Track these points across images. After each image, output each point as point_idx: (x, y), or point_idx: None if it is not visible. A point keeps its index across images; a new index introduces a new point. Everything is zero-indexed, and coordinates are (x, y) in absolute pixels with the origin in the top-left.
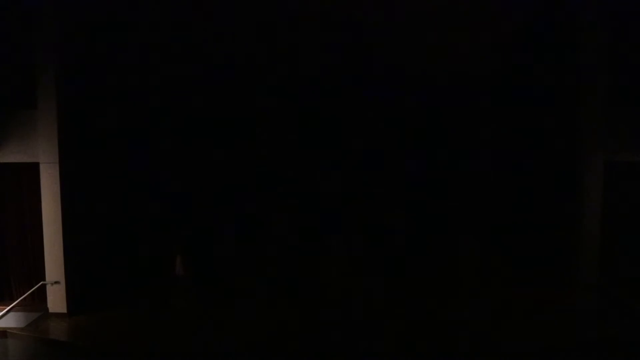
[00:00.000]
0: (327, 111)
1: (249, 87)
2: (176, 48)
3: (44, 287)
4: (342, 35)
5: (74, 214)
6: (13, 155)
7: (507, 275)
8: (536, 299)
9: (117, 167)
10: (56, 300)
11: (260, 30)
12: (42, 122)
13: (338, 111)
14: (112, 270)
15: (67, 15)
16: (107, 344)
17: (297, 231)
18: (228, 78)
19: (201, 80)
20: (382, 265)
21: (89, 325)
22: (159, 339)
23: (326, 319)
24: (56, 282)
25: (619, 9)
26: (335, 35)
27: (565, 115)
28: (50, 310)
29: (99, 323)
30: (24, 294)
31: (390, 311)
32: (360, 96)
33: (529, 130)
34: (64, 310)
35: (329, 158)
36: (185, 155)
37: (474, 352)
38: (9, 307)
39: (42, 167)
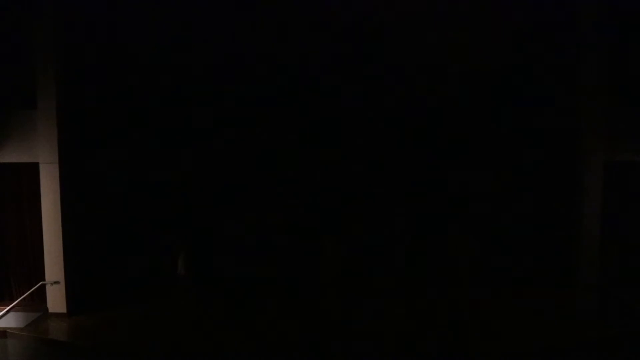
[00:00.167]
0: (327, 111)
1: (249, 87)
2: (176, 47)
3: (43, 287)
4: (342, 35)
5: (74, 214)
6: (13, 155)
7: (507, 275)
8: (536, 299)
9: (117, 166)
10: (56, 300)
11: (260, 30)
12: (42, 122)
13: (338, 111)
14: (112, 270)
15: (67, 15)
16: (107, 344)
17: (297, 231)
18: (228, 78)
19: (201, 80)
20: (382, 265)
21: (88, 325)
22: (159, 339)
23: (326, 319)
24: (56, 282)
25: (619, 8)
26: (335, 35)
27: (565, 115)
28: (50, 310)
29: (98, 323)
30: (23, 294)
31: (390, 311)
32: (360, 96)
33: (529, 130)
34: (64, 310)
35: (329, 158)
36: (185, 155)
37: (474, 352)
38: (8, 307)
39: (42, 167)
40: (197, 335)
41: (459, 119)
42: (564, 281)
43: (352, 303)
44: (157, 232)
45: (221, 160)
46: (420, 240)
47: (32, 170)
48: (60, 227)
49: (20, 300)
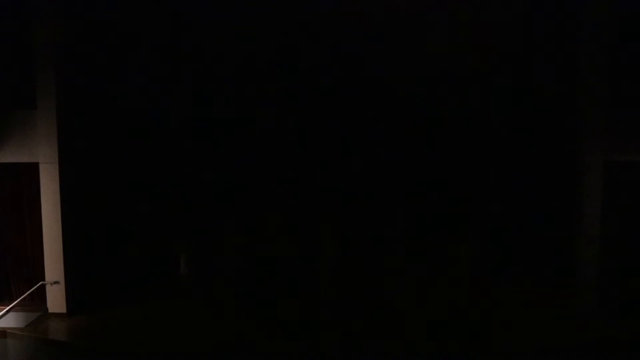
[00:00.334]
0: (327, 111)
1: (249, 87)
2: (177, 47)
3: (43, 287)
4: (342, 34)
5: (74, 214)
6: (13, 155)
7: (507, 275)
8: (536, 299)
9: (117, 166)
10: (56, 300)
11: (259, 30)
12: (41, 122)
13: (338, 111)
14: (112, 270)
15: (67, 15)
16: (107, 344)
17: (296, 231)
18: (228, 78)
19: (202, 80)
20: (382, 265)
21: (88, 325)
22: (159, 339)
23: (326, 319)
24: (56, 282)
25: (619, 8)
26: (334, 34)
27: (565, 115)
28: (50, 311)
29: (98, 323)
30: (23, 294)
31: (389, 311)
32: (360, 96)
33: (529, 130)
34: (64, 311)
35: (329, 158)
36: (185, 155)
37: (474, 352)
38: (8, 307)
39: (41, 167)
40: (197, 335)
41: (459, 119)
42: (564, 281)
43: (351, 303)
44: (158, 232)
45: (221, 160)
46: (420, 240)
47: (32, 170)
48: (60, 227)
49: (20, 300)
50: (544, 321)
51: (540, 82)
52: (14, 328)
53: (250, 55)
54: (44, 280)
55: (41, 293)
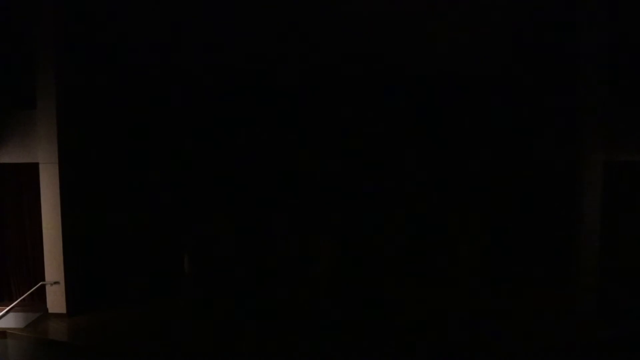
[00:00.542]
0: (327, 111)
1: (249, 87)
2: (177, 47)
3: (43, 287)
4: (342, 34)
5: (74, 214)
6: (12, 155)
7: (506, 275)
8: (536, 299)
9: (117, 166)
10: (56, 300)
11: (259, 30)
12: (41, 123)
13: (338, 111)
14: (112, 270)
15: (67, 15)
16: (107, 344)
17: (297, 231)
18: (229, 78)
19: (202, 80)
20: (382, 265)
21: (88, 325)
22: (159, 339)
23: (326, 319)
24: (56, 283)
25: (619, 8)
26: (334, 34)
27: (565, 115)
28: (50, 311)
29: (98, 323)
30: (23, 295)
31: (389, 311)
32: (360, 96)
33: (528, 130)
34: (64, 311)
35: (329, 158)
36: (186, 155)
37: (474, 352)
38: (8, 308)
39: (41, 168)
40: (197, 335)
41: (459, 119)
42: (564, 281)
43: (351, 303)
44: (158, 232)
45: (221, 161)
46: (420, 240)
47: (31, 171)
48: (60, 227)
49: (20, 300)
50: (544, 321)
51: (540, 82)
52: (14, 328)
53: (251, 55)
54: (44, 280)
55: (41, 293)
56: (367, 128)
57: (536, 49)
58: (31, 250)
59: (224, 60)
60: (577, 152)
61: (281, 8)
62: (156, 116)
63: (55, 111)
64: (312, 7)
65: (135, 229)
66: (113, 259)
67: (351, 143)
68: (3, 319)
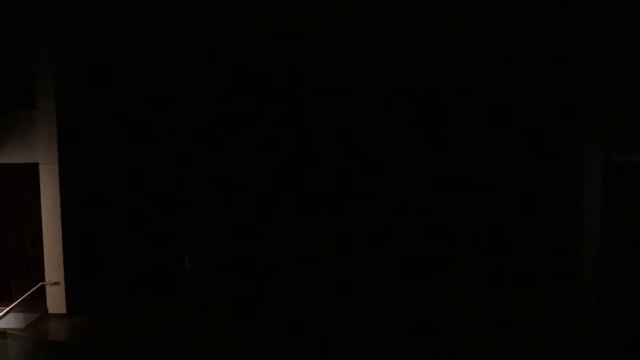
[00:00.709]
0: (327, 111)
1: (249, 87)
2: (177, 48)
3: (43, 287)
4: (341, 34)
5: (74, 214)
6: (12, 156)
7: (506, 275)
8: (536, 299)
9: (116, 167)
10: (56, 300)
11: (260, 30)
12: (41, 123)
13: (338, 111)
14: (112, 271)
15: (67, 15)
16: (107, 344)
17: (297, 231)
18: (229, 79)
19: (202, 80)
20: (382, 265)
21: (88, 325)
22: (159, 339)
23: (326, 319)
24: (56, 283)
25: (619, 8)
26: (334, 34)
27: (565, 115)
28: (50, 311)
29: (98, 323)
30: (23, 295)
31: (390, 311)
32: (360, 96)
33: (528, 130)
34: (64, 311)
35: (329, 158)
36: (186, 156)
37: (474, 352)
38: (8, 308)
39: (41, 168)
40: (197, 335)
41: (459, 119)
42: (563, 281)
43: (351, 303)
44: (158, 232)
45: (221, 161)
46: (420, 240)
47: (31, 171)
48: (60, 228)
49: (20, 301)
50: (544, 321)
51: (541, 82)
52: (14, 329)
53: (251, 55)
54: (43, 280)
55: (41, 293)
56: (367, 128)
57: (536, 49)
58: (31, 250)
59: (224, 60)
60: (577, 152)
61: (281, 8)
62: (156, 116)
63: (55, 111)
64: (312, 8)
65: (135, 229)
66: (113, 259)
67: (351, 143)
68: (3, 319)
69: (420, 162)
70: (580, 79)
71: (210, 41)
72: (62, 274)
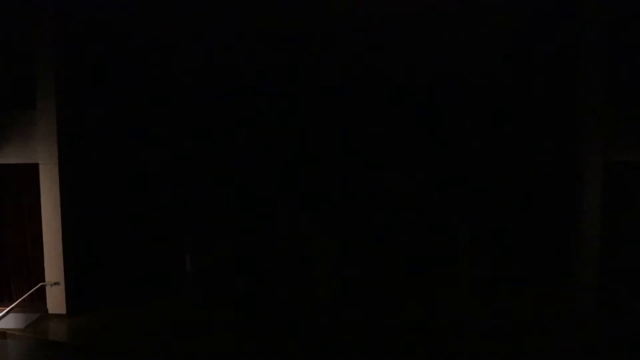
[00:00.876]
0: (327, 111)
1: (249, 87)
2: (177, 48)
3: (43, 288)
4: (341, 34)
5: (74, 214)
6: (12, 156)
7: (506, 275)
8: (536, 299)
9: (116, 167)
10: (55, 301)
11: (260, 30)
12: (41, 123)
13: (338, 111)
14: (112, 271)
15: (67, 16)
16: (107, 344)
17: (297, 231)
18: (229, 78)
19: (202, 80)
20: (381, 265)
21: (88, 326)
22: (159, 340)
23: (326, 319)
24: (56, 284)
25: (620, 9)
26: (334, 34)
27: (565, 115)
28: (50, 311)
29: (98, 324)
30: (23, 295)
31: (390, 311)
32: (359, 96)
33: (528, 130)
34: (64, 311)
35: (329, 158)
36: (186, 156)
37: (474, 352)
38: (8, 308)
39: (41, 168)
40: (197, 335)
41: (459, 119)
42: (563, 281)
43: (351, 303)
44: (158, 232)
45: (221, 161)
46: (420, 240)
47: (31, 171)
48: (60, 228)
49: (20, 301)
50: (544, 321)
51: (541, 82)
52: (14, 329)
53: (251, 55)
54: (43, 280)
55: (41, 294)
56: (367, 128)
57: (536, 49)
58: (31, 250)
59: (224, 60)
60: (577, 152)
61: (281, 9)
62: (156, 116)
63: (55, 111)
64: (312, 8)
65: (135, 229)
66: (113, 259)
67: (351, 143)
68: (3, 319)
69: (420, 162)
70: (580, 79)
71: (210, 41)
72: (62, 274)
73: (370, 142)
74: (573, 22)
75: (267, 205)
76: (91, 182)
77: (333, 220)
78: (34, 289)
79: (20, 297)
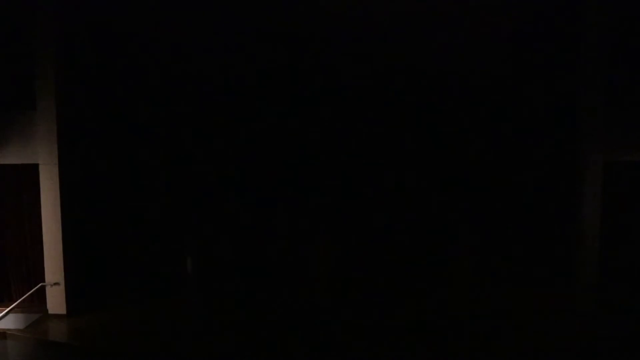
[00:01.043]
0: (327, 111)
1: (249, 87)
2: (176, 48)
3: (43, 288)
4: (341, 34)
5: (74, 214)
6: (12, 156)
7: (506, 275)
8: (536, 299)
9: (116, 167)
10: (56, 301)
11: (260, 30)
12: (41, 123)
13: (338, 111)
14: (112, 271)
15: (67, 16)
16: (107, 345)
17: (297, 231)
18: (229, 78)
19: (202, 80)
20: (381, 265)
21: (88, 326)
22: (159, 340)
23: (326, 319)
24: (56, 284)
25: (620, 9)
26: (334, 34)
27: (565, 115)
28: (50, 312)
29: (98, 324)
30: (23, 295)
31: (390, 311)
32: (359, 96)
33: (528, 130)
34: (64, 312)
35: (329, 158)
36: (186, 156)
37: (474, 352)
38: (8, 309)
39: (41, 168)
40: (197, 335)
41: (459, 119)
42: (563, 281)
43: (351, 303)
44: (158, 232)
45: (221, 161)
46: (420, 240)
47: (31, 171)
48: (60, 228)
49: (20, 301)
50: (544, 321)
51: (541, 82)
52: (14, 329)
53: (251, 54)
54: (43, 281)
55: (41, 294)
56: (367, 128)
57: (536, 49)
58: (31, 250)
59: (224, 60)
60: (577, 152)
61: (281, 9)
62: (156, 116)
63: (55, 111)
64: (311, 8)
65: (135, 229)
66: (113, 259)
67: (351, 143)
68: (3, 320)
69: (420, 162)
70: (580, 79)
71: (210, 41)
72: (62, 275)
73: (370, 142)
74: (573, 22)
75: (267, 205)
76: (91, 182)
77: (333, 220)
78: (34, 289)
79: (20, 298)
